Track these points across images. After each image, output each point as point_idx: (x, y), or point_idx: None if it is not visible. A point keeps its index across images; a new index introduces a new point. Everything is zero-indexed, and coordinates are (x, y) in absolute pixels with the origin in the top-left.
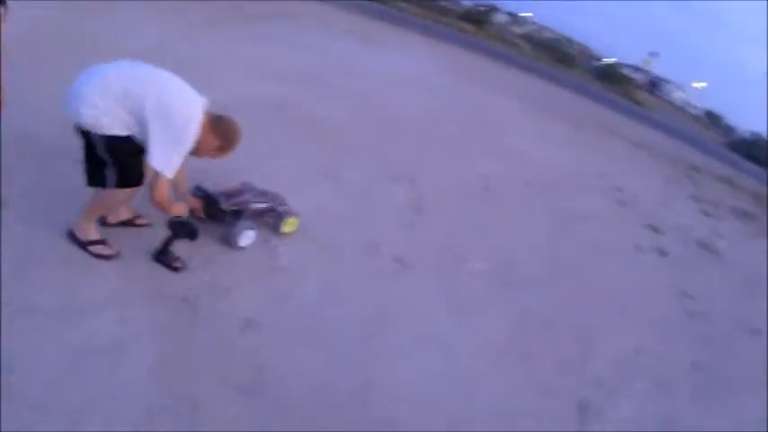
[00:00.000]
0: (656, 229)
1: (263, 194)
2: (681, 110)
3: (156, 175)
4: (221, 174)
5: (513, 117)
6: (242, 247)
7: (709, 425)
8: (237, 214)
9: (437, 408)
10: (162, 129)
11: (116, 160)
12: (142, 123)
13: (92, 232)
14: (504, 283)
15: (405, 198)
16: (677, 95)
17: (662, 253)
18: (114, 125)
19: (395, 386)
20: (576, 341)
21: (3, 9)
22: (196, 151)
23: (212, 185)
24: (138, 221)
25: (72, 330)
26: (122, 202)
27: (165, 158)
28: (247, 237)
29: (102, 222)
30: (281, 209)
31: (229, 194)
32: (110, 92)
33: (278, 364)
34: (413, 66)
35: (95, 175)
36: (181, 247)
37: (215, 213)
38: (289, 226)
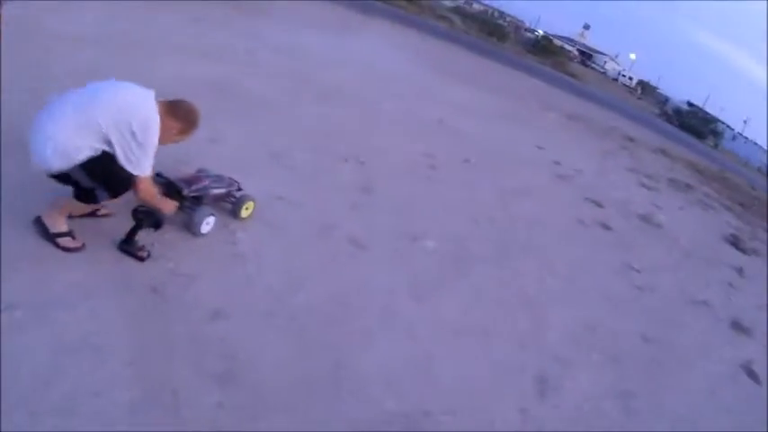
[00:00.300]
0: (597, 204)
1: (220, 180)
2: (614, 81)
3: (136, 177)
4: (172, 161)
5: (448, 92)
6: (203, 234)
7: (664, 395)
8: (197, 200)
9: (405, 387)
10: (126, 141)
11: (101, 180)
12: (106, 140)
13: (61, 224)
14: (454, 260)
15: (353, 178)
16: (610, 67)
17: (605, 227)
18: (82, 150)
19: (364, 368)
20: (530, 317)
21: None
22: (159, 140)
23: (169, 172)
24: (99, 212)
25: (46, 327)
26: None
27: (138, 163)
28: (209, 223)
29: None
30: (238, 194)
31: (189, 181)
32: (65, 127)
33: (250, 352)
34: (349, 43)
35: (87, 197)
36: (142, 236)
37: (176, 200)
38: (245, 211)
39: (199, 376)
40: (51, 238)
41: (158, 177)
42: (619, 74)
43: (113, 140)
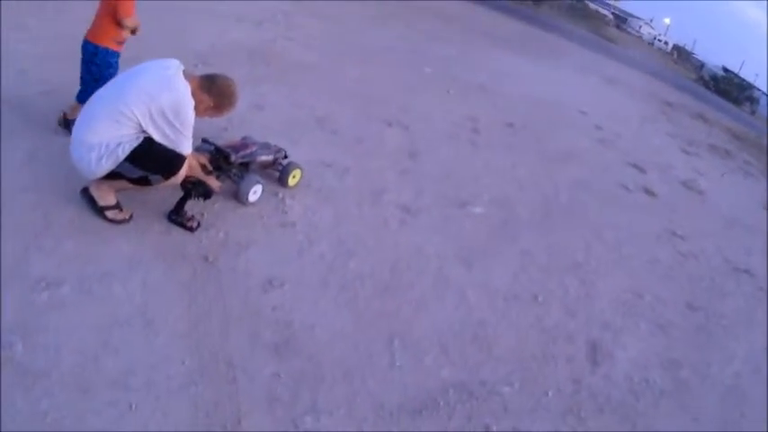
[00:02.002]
0: (639, 169)
1: (267, 147)
2: (650, 46)
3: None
4: (216, 128)
5: (486, 54)
6: (252, 202)
7: (710, 365)
8: (245, 167)
9: (458, 356)
10: (161, 124)
11: (151, 167)
12: (143, 128)
13: (110, 197)
14: (502, 226)
15: (398, 143)
16: (646, 31)
17: (648, 192)
18: (124, 144)
19: (418, 336)
20: (578, 284)
21: None
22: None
23: (214, 138)
24: None
25: (94, 302)
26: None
27: (177, 144)
28: (256, 192)
29: None
30: (285, 161)
31: (235, 147)
32: (102, 129)
33: (304, 321)
34: (384, 6)
35: (142, 183)
36: (191, 206)
37: (223, 167)
38: (293, 179)
39: (254, 346)
40: (100, 210)
41: (205, 144)
42: (654, 38)
43: (149, 127)
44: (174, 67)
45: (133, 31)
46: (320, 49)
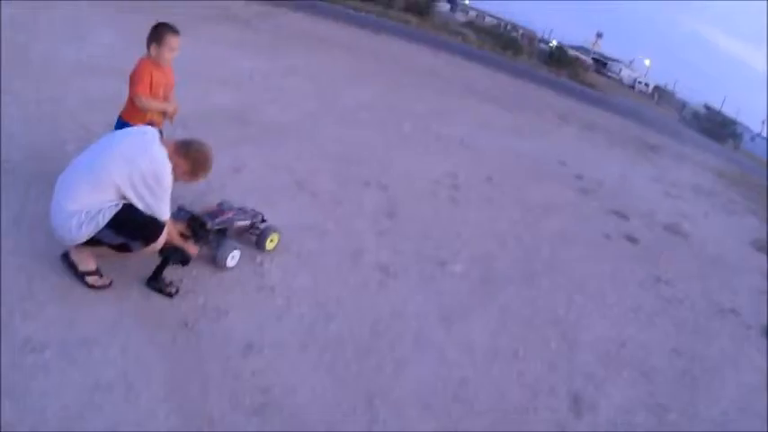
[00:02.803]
0: (622, 216)
1: (244, 212)
2: (630, 89)
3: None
4: (194, 192)
5: (465, 108)
6: (230, 267)
7: (697, 407)
8: (222, 233)
9: (441, 413)
10: (140, 190)
11: (131, 232)
12: (122, 193)
13: (92, 263)
14: (482, 283)
15: (377, 203)
16: (626, 74)
17: (631, 240)
18: (104, 210)
19: (399, 395)
20: (560, 337)
21: None
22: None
23: (191, 205)
24: None
25: (77, 366)
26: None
27: (156, 210)
28: (234, 257)
29: None
30: (262, 225)
31: (212, 214)
32: (82, 195)
33: (284, 384)
34: (362, 63)
35: (122, 249)
36: (170, 272)
37: (200, 233)
38: (271, 243)
39: (235, 410)
40: (80, 276)
41: (181, 212)
42: (635, 81)
43: (130, 192)
44: (151, 133)
45: (165, 114)
46: (299, 109)
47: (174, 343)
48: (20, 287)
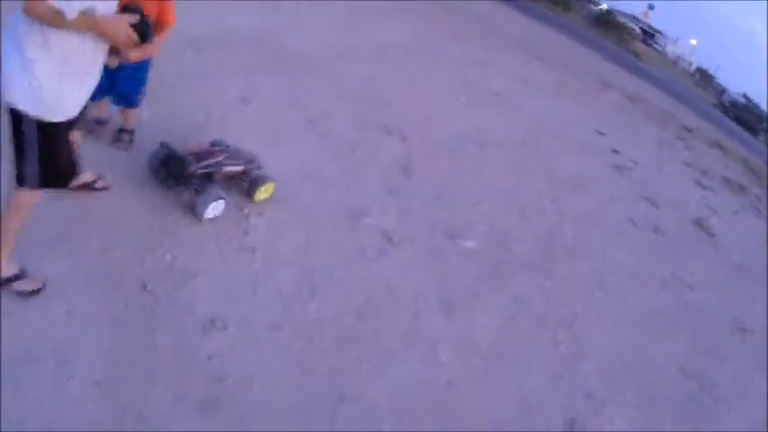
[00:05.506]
0: (651, 202)
1: (237, 155)
2: (673, 65)
3: None
4: (189, 124)
5: (506, 60)
6: (210, 219)
7: None
8: (207, 178)
9: (415, 422)
10: None
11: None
12: None
13: (6, 265)
14: (495, 265)
15: (393, 156)
16: (671, 50)
17: (658, 231)
18: None
19: (371, 399)
20: (568, 341)
21: None
22: None
23: (178, 143)
24: (97, 185)
25: (9, 330)
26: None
27: None
28: (216, 207)
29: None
30: (255, 173)
31: (199, 155)
32: None
33: (242, 374)
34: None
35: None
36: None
37: (182, 176)
38: (263, 193)
39: (177, 402)
40: (4, 286)
41: (162, 147)
42: (678, 57)
43: None
44: None
45: None
46: (325, 41)
47: (126, 309)
48: None
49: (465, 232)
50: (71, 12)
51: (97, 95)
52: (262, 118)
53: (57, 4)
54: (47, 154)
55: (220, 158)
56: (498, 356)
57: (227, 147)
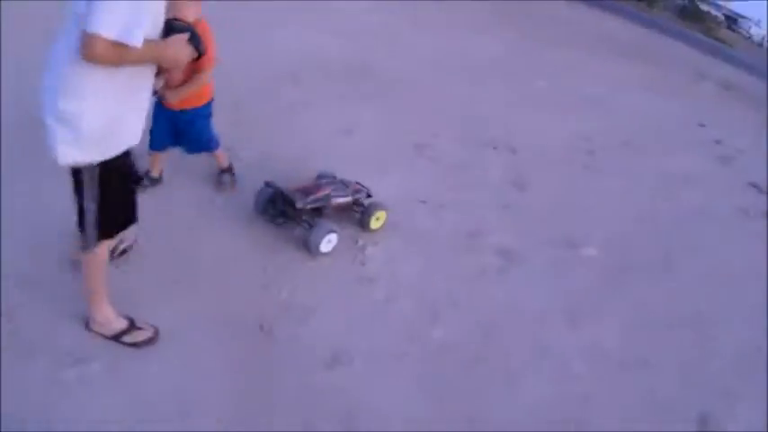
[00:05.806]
0: (759, 189)
1: (345, 186)
2: (760, 47)
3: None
4: (292, 158)
5: (598, 62)
6: (324, 254)
7: None
8: (317, 212)
9: None
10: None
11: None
12: None
13: (113, 319)
14: (617, 271)
15: (503, 170)
16: (755, 32)
17: None
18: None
19: (507, 419)
20: (696, 341)
21: None
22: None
23: (283, 181)
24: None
25: (126, 379)
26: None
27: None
28: (330, 241)
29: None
30: (367, 201)
31: (306, 190)
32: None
33: (372, 406)
34: (490, 14)
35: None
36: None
37: (290, 214)
38: (376, 222)
39: None
40: (116, 340)
41: (267, 187)
42: (764, 39)
43: None
44: None
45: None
46: (421, 62)
47: (243, 351)
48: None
49: (583, 241)
50: (134, 40)
51: (157, 144)
52: (366, 147)
53: (113, 35)
54: (106, 199)
55: (328, 191)
56: (627, 363)
57: (334, 178)
